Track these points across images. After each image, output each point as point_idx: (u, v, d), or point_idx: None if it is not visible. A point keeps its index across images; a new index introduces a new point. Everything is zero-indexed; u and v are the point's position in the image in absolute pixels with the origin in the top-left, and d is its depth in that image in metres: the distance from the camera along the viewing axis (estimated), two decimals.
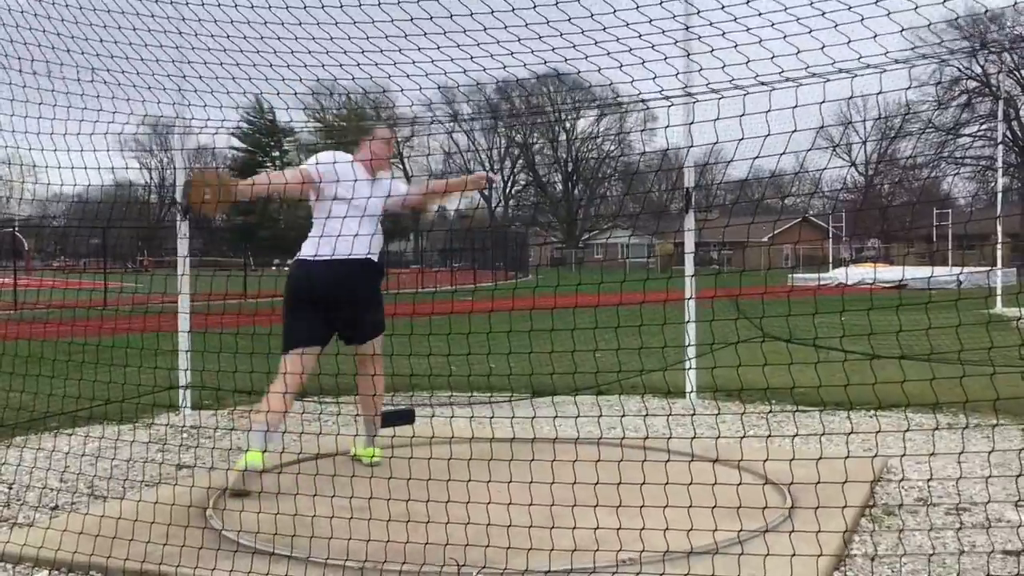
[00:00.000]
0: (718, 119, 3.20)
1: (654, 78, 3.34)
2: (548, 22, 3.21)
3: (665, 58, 3.28)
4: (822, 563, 3.15)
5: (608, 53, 3.31)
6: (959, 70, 49.45)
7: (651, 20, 3.16)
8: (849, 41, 3.01)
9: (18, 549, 3.53)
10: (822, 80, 3.08)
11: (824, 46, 3.03)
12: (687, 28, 3.56)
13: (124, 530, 3.53)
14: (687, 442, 3.96)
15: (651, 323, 3.87)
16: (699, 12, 3.22)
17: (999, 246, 18.51)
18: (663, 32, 3.20)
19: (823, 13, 2.95)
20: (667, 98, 3.58)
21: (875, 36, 3.00)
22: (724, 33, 3.13)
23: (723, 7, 3.09)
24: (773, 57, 3.05)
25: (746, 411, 5.91)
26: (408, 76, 3.62)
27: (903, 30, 3.00)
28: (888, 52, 3.02)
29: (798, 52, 3.04)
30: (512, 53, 3.35)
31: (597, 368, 3.96)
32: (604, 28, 3.21)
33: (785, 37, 3.04)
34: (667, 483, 3.31)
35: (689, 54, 3.61)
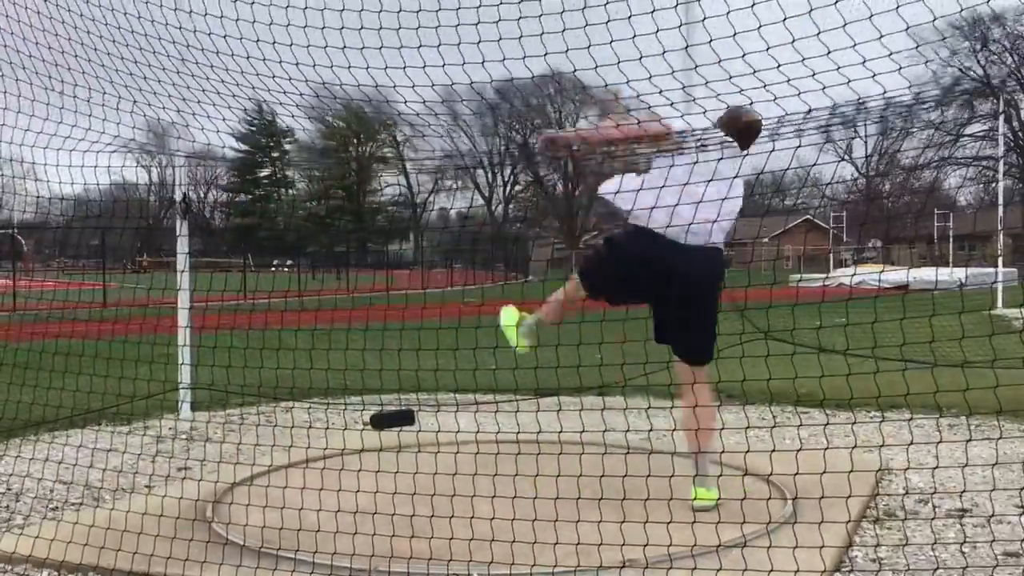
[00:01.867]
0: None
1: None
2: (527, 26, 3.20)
3: (661, 91, 3.27)
4: (825, 564, 3.14)
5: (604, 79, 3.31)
6: (960, 71, 49.47)
7: (651, 55, 3.16)
8: (864, 92, 3.01)
9: (18, 551, 3.52)
10: (824, 121, 3.08)
11: (845, 85, 3.01)
12: (690, 65, 3.54)
13: (125, 530, 3.52)
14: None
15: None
16: (690, 46, 3.19)
17: (1000, 248, 18.52)
18: (669, 74, 3.19)
19: (828, 52, 2.93)
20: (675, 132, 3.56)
21: (881, 78, 2.99)
22: (728, 72, 3.12)
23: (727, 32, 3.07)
24: (779, 99, 3.03)
25: (748, 412, 5.89)
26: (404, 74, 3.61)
27: (900, 68, 2.99)
28: (890, 93, 3.02)
29: (811, 105, 3.02)
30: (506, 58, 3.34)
31: (602, 362, 3.95)
32: (611, 63, 3.21)
33: (790, 81, 3.02)
34: (672, 477, 3.30)
35: (685, 85, 3.59)
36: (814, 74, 2.96)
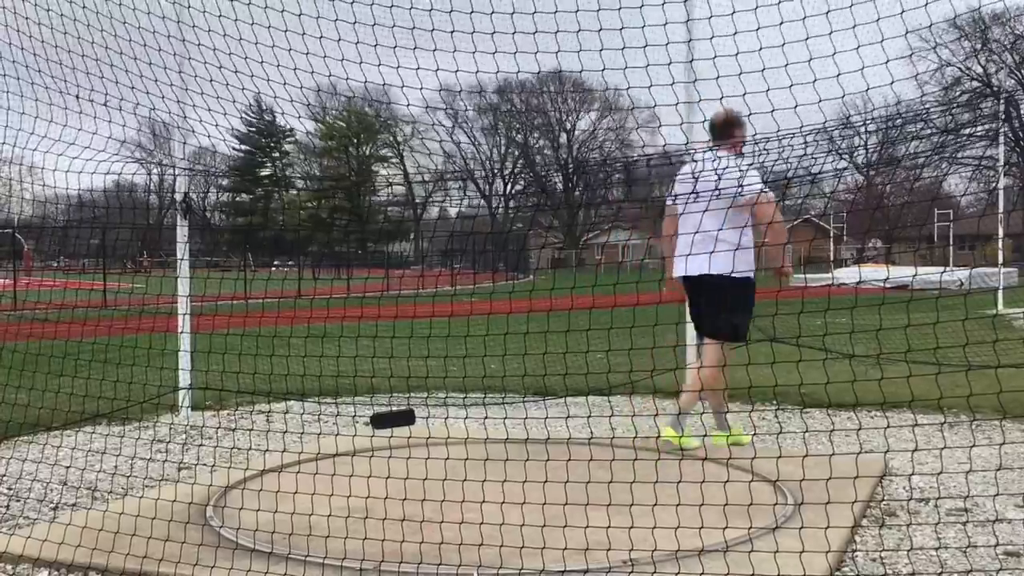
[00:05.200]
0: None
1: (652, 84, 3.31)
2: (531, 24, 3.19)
3: (660, 108, 3.28)
4: (826, 562, 3.14)
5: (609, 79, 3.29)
6: (961, 70, 49.47)
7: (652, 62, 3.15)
8: (868, 88, 3.01)
9: (18, 550, 3.51)
10: (826, 134, 3.08)
11: (849, 93, 3.02)
12: (693, 81, 3.56)
13: (124, 530, 3.52)
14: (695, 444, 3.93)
15: (662, 323, 3.85)
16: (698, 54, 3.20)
17: (1000, 247, 18.51)
18: (671, 85, 3.19)
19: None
20: (687, 151, 3.57)
21: (884, 76, 2.98)
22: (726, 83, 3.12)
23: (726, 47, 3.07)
24: (780, 109, 3.03)
25: (751, 413, 5.89)
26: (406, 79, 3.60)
27: (918, 76, 2.99)
28: (901, 100, 3.01)
29: (823, 115, 3.02)
30: (516, 51, 3.33)
31: (609, 368, 3.94)
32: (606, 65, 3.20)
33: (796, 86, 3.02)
34: (680, 482, 3.30)
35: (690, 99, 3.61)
36: (816, 78, 2.96)
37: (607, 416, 5.20)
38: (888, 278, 3.16)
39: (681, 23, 3.39)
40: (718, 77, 3.14)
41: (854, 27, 2.95)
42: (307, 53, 3.60)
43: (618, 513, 3.28)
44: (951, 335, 3.18)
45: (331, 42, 3.53)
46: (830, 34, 2.99)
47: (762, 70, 3.03)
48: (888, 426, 5.01)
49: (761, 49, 3.03)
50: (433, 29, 3.34)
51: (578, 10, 3.18)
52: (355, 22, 3.43)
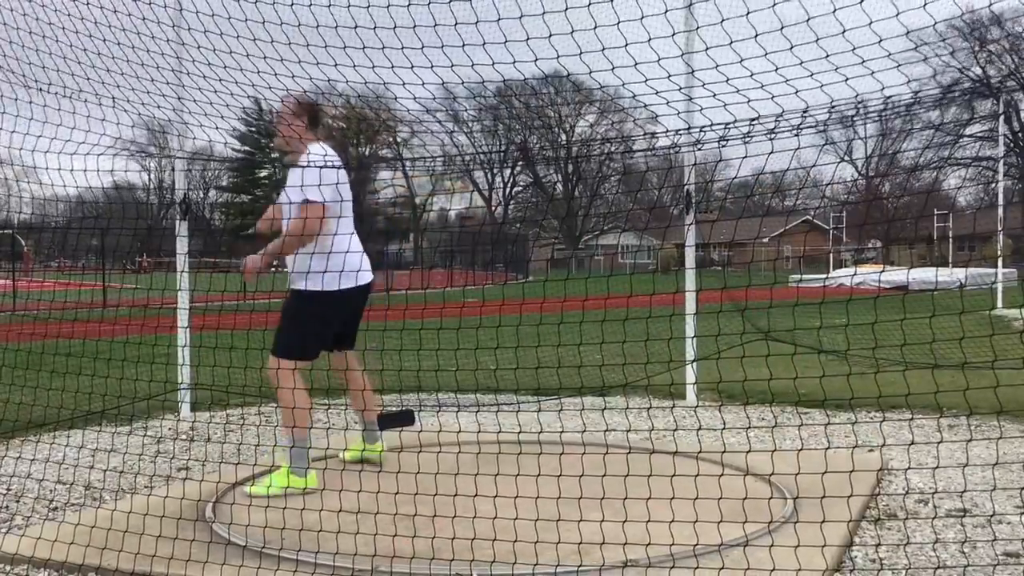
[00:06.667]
0: (721, 141, 3.20)
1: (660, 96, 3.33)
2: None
3: (659, 96, 3.29)
4: (826, 563, 3.14)
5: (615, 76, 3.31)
6: (959, 71, 49.46)
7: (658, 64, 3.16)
8: (859, 91, 3.01)
9: (18, 551, 3.52)
10: (822, 126, 3.08)
11: (844, 83, 3.02)
12: (691, 71, 3.56)
13: (124, 530, 3.52)
14: (691, 441, 3.95)
15: (655, 324, 3.86)
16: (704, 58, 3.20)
17: (999, 248, 18.53)
18: (667, 77, 3.20)
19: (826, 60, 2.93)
20: (676, 146, 3.59)
21: (881, 77, 2.99)
22: (728, 80, 3.12)
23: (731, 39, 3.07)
24: (778, 100, 3.03)
25: (749, 412, 5.90)
26: (406, 77, 3.61)
27: (899, 66, 3.00)
28: (890, 96, 3.02)
29: (806, 110, 3.02)
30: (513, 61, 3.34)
31: (603, 362, 3.96)
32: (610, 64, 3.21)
33: (795, 86, 3.02)
34: (674, 476, 3.30)
35: (691, 98, 3.61)
36: (812, 74, 2.97)
37: (599, 409, 5.20)
38: (883, 273, 3.17)
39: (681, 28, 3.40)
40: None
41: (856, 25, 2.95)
42: (317, 62, 3.61)
43: (613, 509, 3.29)
44: (949, 334, 3.19)
45: (333, 41, 3.54)
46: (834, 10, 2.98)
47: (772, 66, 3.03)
48: (884, 419, 5.02)
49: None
50: (409, 37, 3.35)
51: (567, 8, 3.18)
52: (377, 27, 3.44)
